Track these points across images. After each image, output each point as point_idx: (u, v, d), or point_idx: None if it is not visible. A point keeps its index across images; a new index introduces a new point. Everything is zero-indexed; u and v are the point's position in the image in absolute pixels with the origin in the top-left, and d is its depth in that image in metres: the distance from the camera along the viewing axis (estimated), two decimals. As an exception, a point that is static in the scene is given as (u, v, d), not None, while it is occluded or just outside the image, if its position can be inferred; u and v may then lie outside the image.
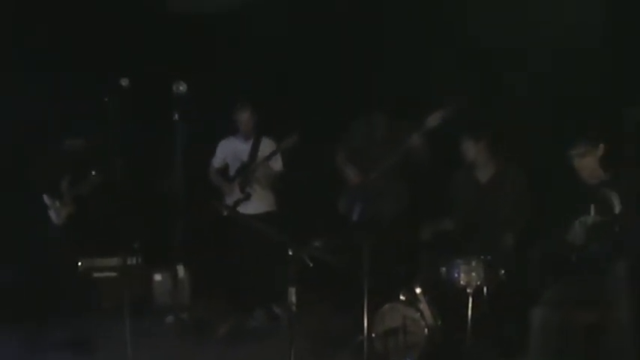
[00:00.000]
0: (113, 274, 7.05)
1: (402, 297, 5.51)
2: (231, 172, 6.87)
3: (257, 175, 6.70)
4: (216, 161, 6.96)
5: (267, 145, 6.80)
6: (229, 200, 6.69)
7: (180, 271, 6.92)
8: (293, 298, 4.66)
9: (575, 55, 5.83)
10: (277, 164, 6.79)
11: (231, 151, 6.91)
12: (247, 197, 6.56)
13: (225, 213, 6.42)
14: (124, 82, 5.59)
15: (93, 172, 6.76)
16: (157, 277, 7.17)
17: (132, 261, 6.74)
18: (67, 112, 6.90)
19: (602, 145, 4.95)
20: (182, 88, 6.02)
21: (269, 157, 6.68)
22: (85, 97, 6.38)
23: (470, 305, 5.15)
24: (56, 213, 6.82)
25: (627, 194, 4.78)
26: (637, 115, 4.08)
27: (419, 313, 5.38)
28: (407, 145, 6.04)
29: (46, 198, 6.81)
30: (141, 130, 6.76)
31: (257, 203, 6.70)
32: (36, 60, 6.96)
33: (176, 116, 6.06)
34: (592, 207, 4.84)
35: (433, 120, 5.88)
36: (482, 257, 5.24)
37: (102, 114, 5.54)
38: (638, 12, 5.62)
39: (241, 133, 6.81)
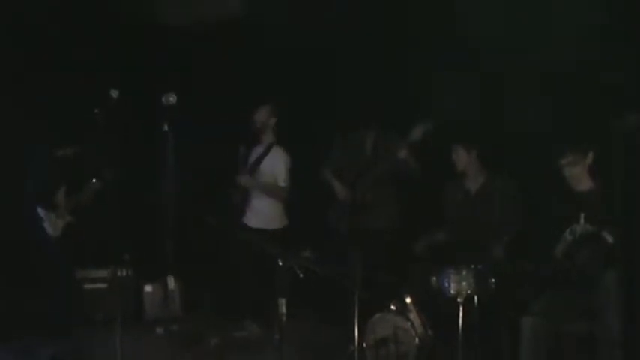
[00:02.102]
0: (103, 285, 7.02)
1: (392, 306, 5.52)
2: None
3: (247, 183, 6.68)
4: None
5: (276, 156, 6.68)
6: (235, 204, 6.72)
7: (171, 282, 6.91)
8: (283, 309, 4.66)
9: (566, 62, 5.85)
10: (280, 178, 6.67)
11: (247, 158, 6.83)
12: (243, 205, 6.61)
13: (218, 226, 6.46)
14: (114, 93, 5.59)
15: (94, 180, 6.69)
16: (148, 288, 7.14)
17: (122, 272, 6.70)
18: (58, 123, 6.88)
19: (590, 154, 4.98)
20: (172, 99, 6.00)
21: (254, 165, 6.63)
22: (76, 108, 6.39)
23: (460, 314, 5.14)
24: (52, 225, 6.72)
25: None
26: (624, 127, 4.09)
27: (409, 323, 5.38)
28: (393, 159, 6.06)
29: (40, 210, 6.71)
30: (130, 141, 6.75)
31: (255, 217, 6.70)
32: (26, 71, 6.95)
33: (166, 127, 6.05)
34: (582, 216, 4.85)
35: (415, 134, 5.91)
36: (472, 266, 5.24)
37: (92, 125, 5.55)
38: (630, 23, 5.64)
39: (254, 131, 6.71)
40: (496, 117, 6.17)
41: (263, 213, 6.69)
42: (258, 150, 6.74)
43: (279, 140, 6.75)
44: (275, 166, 6.66)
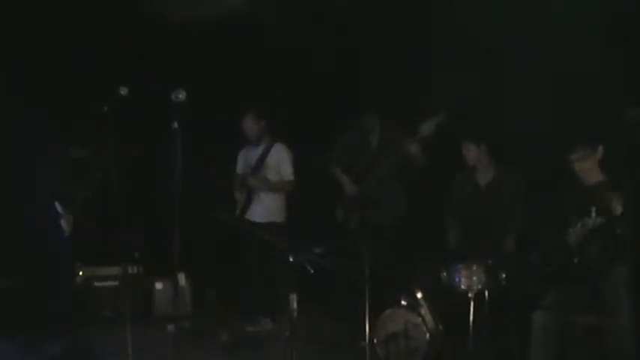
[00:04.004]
0: (114, 283, 7.04)
1: (403, 302, 5.52)
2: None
3: (256, 182, 6.71)
4: (238, 168, 7.00)
5: (279, 151, 6.79)
6: (239, 203, 6.78)
7: (181, 279, 6.92)
8: (294, 305, 4.66)
9: (575, 55, 5.83)
10: (287, 172, 6.77)
11: (243, 157, 6.94)
12: (249, 202, 6.64)
13: (226, 221, 6.48)
14: (123, 90, 5.59)
15: (96, 174, 6.71)
16: (158, 285, 7.15)
17: (132, 270, 6.72)
18: (67, 121, 6.89)
19: (601, 148, 4.98)
20: (181, 96, 6.01)
21: (257, 164, 6.70)
22: (85, 106, 6.40)
23: (471, 309, 5.13)
24: (68, 221, 6.75)
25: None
26: (628, 120, 4.10)
27: (420, 318, 5.38)
28: (402, 154, 6.05)
29: (58, 206, 6.73)
30: (140, 138, 6.76)
31: (262, 211, 6.74)
32: (35, 69, 6.95)
33: (175, 124, 6.06)
34: (593, 209, 4.83)
35: (426, 129, 5.90)
36: (482, 261, 5.23)
37: (101, 123, 5.55)
38: (636, 11, 5.62)
39: (250, 139, 6.84)
40: (505, 110, 6.16)
41: (267, 207, 6.75)
42: (258, 149, 6.82)
43: (277, 138, 6.83)
44: (280, 162, 6.78)
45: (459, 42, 6.43)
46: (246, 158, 6.92)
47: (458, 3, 6.42)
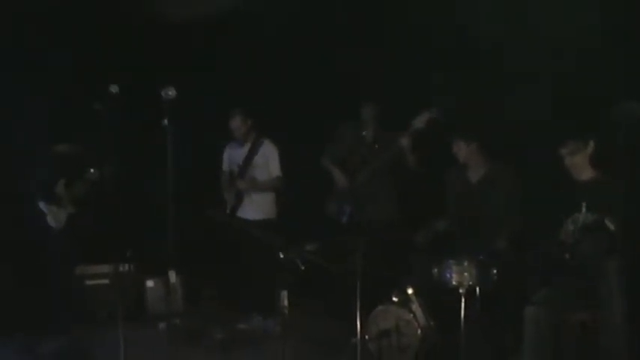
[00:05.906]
0: (105, 281, 7.02)
1: (394, 298, 5.52)
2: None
3: (245, 185, 6.73)
4: (224, 166, 7.02)
5: (267, 149, 6.80)
6: (229, 204, 6.78)
7: (173, 276, 6.90)
8: (285, 302, 4.67)
9: (568, 53, 5.83)
10: (275, 169, 6.79)
11: (229, 156, 6.96)
12: (239, 202, 6.68)
13: (219, 219, 6.50)
14: (114, 88, 5.58)
15: (91, 170, 6.68)
16: (150, 283, 7.13)
17: (124, 268, 6.69)
18: (57, 119, 6.87)
19: (591, 143, 4.98)
20: (171, 93, 6.01)
21: (245, 164, 6.73)
22: (75, 104, 6.39)
23: (462, 305, 5.13)
24: (55, 217, 6.73)
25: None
26: (624, 116, 4.10)
27: (412, 315, 5.38)
28: (394, 148, 6.06)
29: (42, 205, 6.71)
30: (131, 136, 6.74)
31: (254, 209, 6.75)
32: (26, 67, 6.93)
33: (165, 121, 6.06)
34: (583, 205, 4.84)
35: (419, 121, 5.91)
36: (474, 257, 5.23)
37: (92, 121, 5.54)
38: (632, 10, 5.63)
39: (236, 138, 6.85)
40: (497, 107, 6.15)
41: (258, 205, 6.79)
42: (244, 147, 6.84)
43: (263, 135, 6.83)
44: (268, 159, 6.80)
45: (456, 41, 6.42)
46: (231, 156, 6.94)
47: (457, 2, 6.41)
